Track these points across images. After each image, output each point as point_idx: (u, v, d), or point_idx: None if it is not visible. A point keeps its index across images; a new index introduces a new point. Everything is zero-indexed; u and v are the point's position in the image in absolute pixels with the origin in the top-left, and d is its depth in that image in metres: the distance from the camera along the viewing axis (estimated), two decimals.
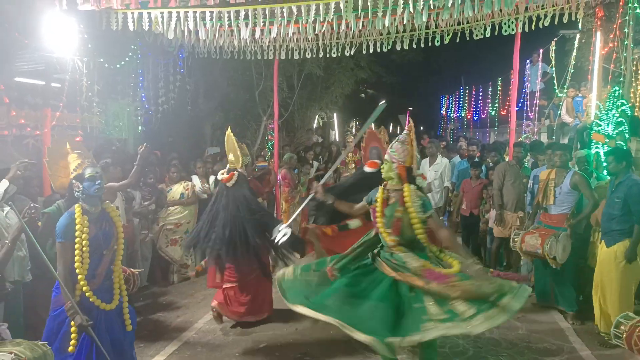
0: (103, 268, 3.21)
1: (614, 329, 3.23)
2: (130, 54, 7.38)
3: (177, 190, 6.56)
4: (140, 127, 7.90)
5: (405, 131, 3.76)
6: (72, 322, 2.99)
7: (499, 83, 15.21)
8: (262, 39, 7.00)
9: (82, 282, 3.08)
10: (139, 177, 4.46)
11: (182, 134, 9.38)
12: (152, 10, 5.56)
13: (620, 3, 6.42)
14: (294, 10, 5.37)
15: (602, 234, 4.79)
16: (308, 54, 7.73)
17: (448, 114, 24.78)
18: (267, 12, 5.58)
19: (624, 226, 4.55)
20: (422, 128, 30.59)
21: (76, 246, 3.05)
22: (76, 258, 3.06)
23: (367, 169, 5.20)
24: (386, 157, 3.67)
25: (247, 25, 5.78)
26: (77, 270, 3.06)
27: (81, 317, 2.94)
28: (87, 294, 3.10)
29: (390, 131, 29.89)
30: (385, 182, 3.66)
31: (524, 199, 6.24)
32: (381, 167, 3.71)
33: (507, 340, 4.70)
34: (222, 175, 5.03)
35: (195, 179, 6.98)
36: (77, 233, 3.06)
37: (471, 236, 7.33)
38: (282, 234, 4.23)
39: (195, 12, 5.59)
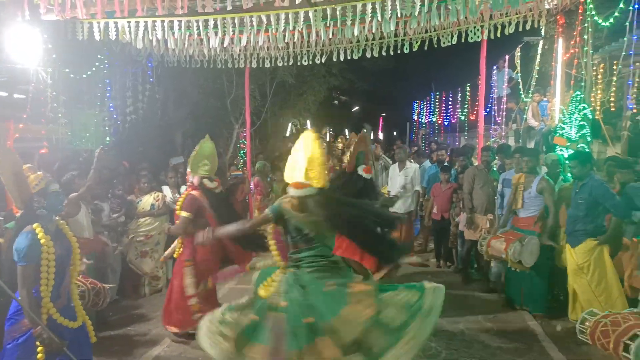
0: (65, 286, 3.11)
1: (579, 325, 3.34)
2: (97, 63, 7.26)
3: (147, 201, 6.45)
4: (108, 138, 7.76)
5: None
6: (40, 349, 2.86)
7: (468, 89, 15.52)
8: (232, 47, 7.01)
9: (48, 305, 2.97)
10: (96, 181, 4.28)
11: (152, 144, 9.26)
12: (119, 20, 5.50)
13: (580, 11, 6.68)
14: (264, 19, 5.39)
15: (567, 236, 4.94)
16: (279, 62, 7.76)
17: (420, 120, 25.10)
18: (236, 21, 5.59)
19: (587, 226, 4.71)
20: (395, 134, 30.99)
21: (42, 268, 2.91)
22: (42, 281, 2.91)
23: (365, 174, 5.21)
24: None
25: (216, 34, 5.78)
26: (42, 294, 2.93)
27: (57, 341, 2.83)
28: (54, 316, 2.98)
29: None
30: None
31: (494, 202, 6.37)
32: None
33: (479, 341, 4.77)
34: (212, 183, 4.79)
35: (166, 190, 6.88)
36: (43, 255, 2.92)
37: (442, 239, 7.44)
38: None
39: (163, 22, 5.55)
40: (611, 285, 4.61)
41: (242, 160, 10.56)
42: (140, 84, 8.24)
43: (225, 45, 6.04)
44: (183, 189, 7.08)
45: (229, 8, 4.95)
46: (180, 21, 5.52)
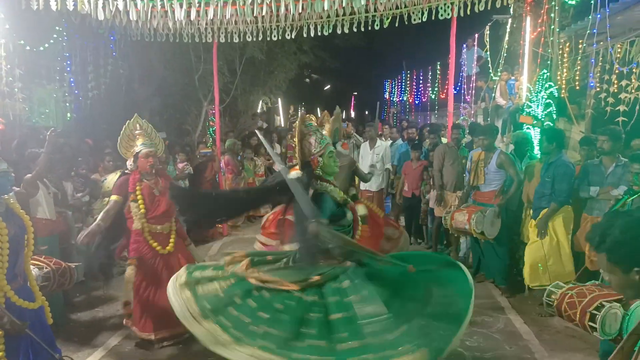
0: (20, 266, 3.00)
1: (546, 298, 3.43)
2: (55, 35, 6.90)
3: (112, 179, 6.21)
4: (69, 114, 7.43)
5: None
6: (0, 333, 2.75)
7: (438, 67, 15.58)
8: (199, 20, 6.78)
9: (5, 287, 2.84)
10: (46, 165, 4.21)
11: (117, 121, 8.89)
12: None
13: None
14: None
15: (533, 211, 5.08)
16: (249, 37, 7.57)
17: (391, 98, 25.17)
18: None
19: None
20: (367, 112, 30.98)
21: None
22: None
23: (343, 150, 5.12)
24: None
25: (181, 6, 5.57)
26: None
27: (18, 323, 2.73)
28: (12, 299, 2.86)
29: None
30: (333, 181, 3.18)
31: (463, 179, 6.46)
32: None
33: None
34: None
35: None
36: None
37: (413, 216, 7.53)
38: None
39: None
40: (563, 248, 4.81)
41: (211, 138, 10.35)
42: (102, 58, 7.90)
43: (191, 18, 5.84)
44: None
45: None
46: None
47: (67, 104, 7.43)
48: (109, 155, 6.46)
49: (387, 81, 26.48)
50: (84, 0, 5.30)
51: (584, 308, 2.92)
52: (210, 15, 5.79)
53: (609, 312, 2.81)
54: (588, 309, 2.89)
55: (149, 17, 5.97)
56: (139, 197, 4.19)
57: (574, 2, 6.66)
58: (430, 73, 16.97)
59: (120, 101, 8.85)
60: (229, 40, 7.67)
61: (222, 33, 7.52)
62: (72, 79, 7.51)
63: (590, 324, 2.86)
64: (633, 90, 5.50)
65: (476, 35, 10.79)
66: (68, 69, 7.45)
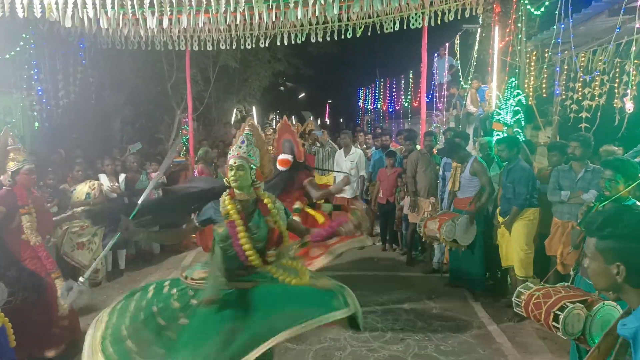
0: None
1: (515, 299, 3.49)
2: (21, 43, 6.73)
3: (81, 190, 6.11)
4: (37, 124, 7.24)
5: (247, 131, 3.30)
6: None
7: (411, 76, 15.84)
8: (171, 28, 6.73)
9: None
10: None
11: (88, 130, 8.76)
12: None
13: (514, 0, 6.95)
14: None
15: (501, 214, 5.21)
16: (222, 45, 7.55)
17: (365, 106, 25.42)
18: (174, 0, 5.36)
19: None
20: (341, 120, 31.19)
21: None
22: None
23: (281, 167, 4.94)
24: (238, 162, 2.85)
25: (153, 14, 5.52)
26: None
27: None
28: None
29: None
30: (231, 192, 2.90)
31: (436, 185, 6.56)
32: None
33: (423, 319, 4.93)
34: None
35: (103, 178, 6.57)
36: None
37: (388, 223, 7.59)
38: (74, 293, 2.92)
39: None
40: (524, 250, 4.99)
41: (184, 147, 10.23)
42: (72, 66, 7.73)
43: (164, 26, 5.80)
44: (122, 177, 6.81)
45: None
46: None
47: (35, 113, 7.24)
48: (78, 165, 6.32)
49: (361, 89, 26.75)
50: (52, 8, 5.19)
51: (548, 308, 2.99)
52: (183, 23, 5.75)
53: (572, 312, 2.88)
54: (552, 309, 2.96)
55: (120, 25, 5.89)
56: (32, 210, 4.18)
57: (539, 13, 6.89)
58: (403, 81, 17.23)
59: (90, 110, 8.68)
60: (202, 49, 7.63)
61: (195, 41, 7.48)
62: (40, 88, 7.32)
63: (554, 324, 2.93)
64: (596, 97, 5.70)
65: (447, 44, 11.01)
66: (36, 77, 7.26)
